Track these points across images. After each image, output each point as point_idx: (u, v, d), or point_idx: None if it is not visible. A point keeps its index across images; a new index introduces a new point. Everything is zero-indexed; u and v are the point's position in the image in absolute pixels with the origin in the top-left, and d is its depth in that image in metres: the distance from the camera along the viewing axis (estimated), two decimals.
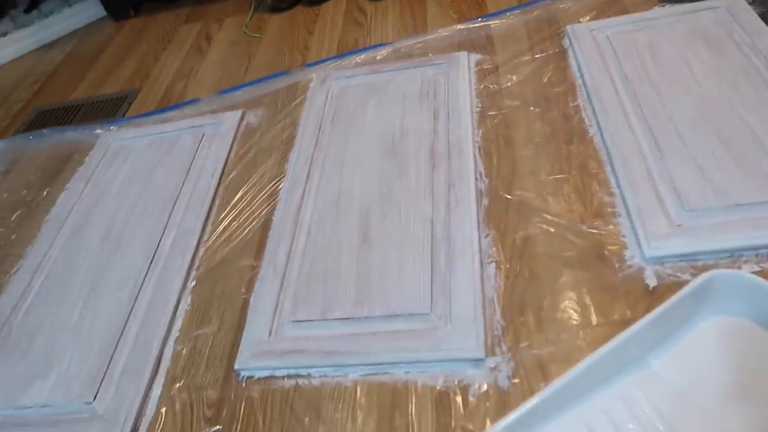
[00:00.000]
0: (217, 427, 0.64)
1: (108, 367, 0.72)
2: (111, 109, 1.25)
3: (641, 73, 0.87)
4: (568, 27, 1.02)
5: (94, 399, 0.69)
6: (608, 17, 1.02)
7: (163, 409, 0.68)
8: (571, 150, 0.82)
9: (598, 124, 0.83)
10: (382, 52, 1.13)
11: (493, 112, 0.92)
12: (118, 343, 0.74)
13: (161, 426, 0.66)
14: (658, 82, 0.85)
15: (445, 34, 1.12)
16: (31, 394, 0.72)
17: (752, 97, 0.78)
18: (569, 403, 0.54)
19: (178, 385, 0.70)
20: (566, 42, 1.00)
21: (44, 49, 1.60)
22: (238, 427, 0.64)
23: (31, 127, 1.28)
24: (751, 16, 0.90)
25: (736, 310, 0.57)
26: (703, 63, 0.86)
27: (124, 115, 1.22)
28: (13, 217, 1.03)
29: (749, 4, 0.93)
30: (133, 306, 0.78)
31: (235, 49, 1.33)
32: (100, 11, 1.65)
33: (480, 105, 0.94)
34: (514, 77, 0.97)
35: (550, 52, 1.00)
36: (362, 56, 1.13)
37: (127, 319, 0.77)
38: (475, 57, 1.04)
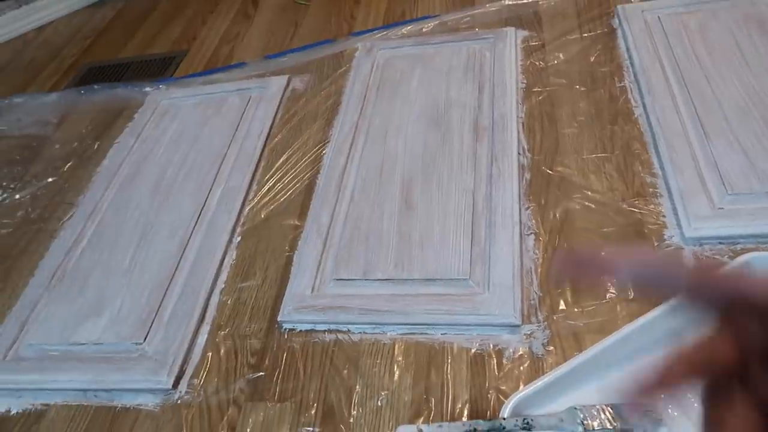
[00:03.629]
0: (261, 373, 0.68)
1: (157, 312, 0.76)
2: (159, 69, 1.29)
3: (691, 57, 0.87)
4: (618, 7, 1.01)
5: (144, 340, 0.73)
6: None
7: (209, 354, 0.71)
8: (615, 130, 0.83)
9: (644, 105, 0.84)
10: (428, 25, 1.14)
11: (538, 89, 0.92)
12: (166, 290, 0.78)
13: (207, 369, 0.70)
14: (707, 66, 0.84)
15: (492, 9, 1.12)
16: (84, 332, 0.76)
17: None
18: (604, 369, 0.56)
19: (223, 333, 0.73)
20: (615, 22, 1.00)
21: (95, 6, 1.63)
22: (280, 375, 0.67)
23: (81, 82, 1.32)
24: None
25: None
26: (755, 48, 0.85)
27: (172, 75, 1.25)
28: (65, 168, 1.07)
29: None
30: (182, 256, 0.82)
31: (282, 16, 1.34)
32: None
33: (525, 81, 0.95)
34: (561, 55, 0.97)
35: (598, 31, 1.00)
36: (408, 28, 1.14)
37: (176, 269, 0.80)
38: (522, 33, 1.04)
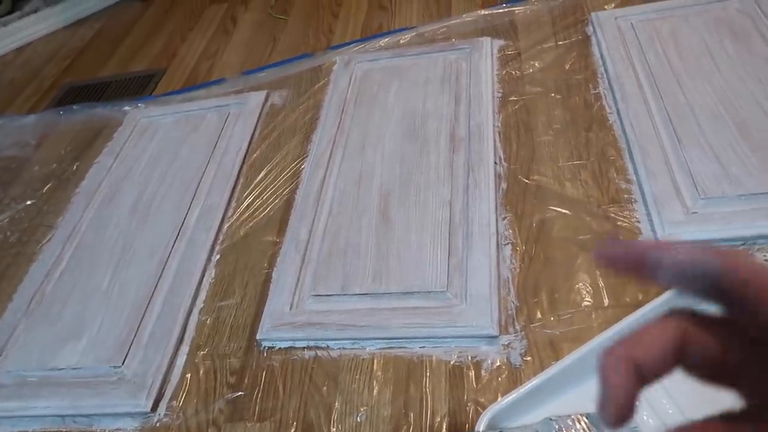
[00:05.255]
0: (240, 392, 0.67)
1: (136, 334, 0.75)
2: (139, 87, 1.28)
3: (663, 62, 0.88)
4: (592, 14, 1.02)
5: (123, 363, 0.72)
6: (633, 5, 1.02)
7: (188, 375, 0.71)
8: (590, 137, 0.83)
9: (618, 111, 0.84)
10: (405, 37, 1.14)
11: (514, 98, 0.93)
12: (145, 311, 0.78)
13: (186, 390, 0.69)
14: (680, 72, 0.85)
15: (468, 19, 1.13)
16: (63, 356, 0.75)
17: None
18: (579, 379, 0.56)
19: (202, 353, 0.73)
20: (590, 29, 1.01)
21: (74, 26, 1.63)
22: (260, 394, 0.67)
23: (61, 102, 1.32)
24: None
25: None
26: (726, 53, 0.86)
27: (151, 93, 1.25)
28: (44, 189, 1.07)
29: None
30: (160, 277, 0.81)
31: (261, 31, 1.35)
32: None
33: (501, 91, 0.95)
34: (536, 64, 0.98)
35: (573, 39, 1.01)
36: (386, 40, 1.15)
37: (155, 289, 0.80)
38: (498, 43, 1.05)
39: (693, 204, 0.69)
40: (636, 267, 0.22)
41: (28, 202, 1.05)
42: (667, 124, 0.79)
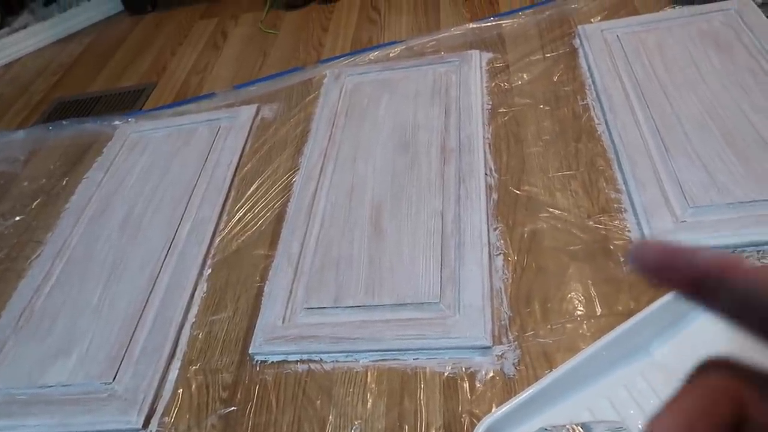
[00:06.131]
0: (233, 407, 0.67)
1: (127, 350, 0.74)
2: (129, 102, 1.28)
3: (650, 74, 0.89)
4: (579, 27, 1.03)
5: (114, 379, 0.72)
6: (619, 18, 1.04)
7: (180, 391, 0.70)
8: (580, 148, 0.84)
9: (606, 122, 0.85)
10: (395, 50, 1.15)
11: (504, 110, 0.94)
12: (136, 326, 0.77)
13: (178, 406, 0.69)
14: (666, 83, 0.86)
15: (457, 32, 1.14)
16: (52, 373, 0.74)
17: (758, 98, 0.80)
18: (573, 389, 0.56)
19: (194, 368, 0.72)
20: (577, 42, 1.02)
21: (63, 41, 1.63)
22: (253, 409, 0.66)
23: (50, 118, 1.31)
24: (760, 18, 0.92)
25: None
26: (711, 64, 0.87)
27: (141, 108, 1.25)
28: (33, 205, 1.06)
29: (759, 6, 0.94)
30: (151, 291, 0.81)
31: (251, 45, 1.35)
32: (118, 5, 1.68)
33: (491, 103, 0.96)
34: (525, 76, 0.99)
35: (560, 51, 1.02)
36: (375, 53, 1.16)
37: (145, 304, 0.79)
38: (487, 56, 1.06)
39: (682, 213, 0.70)
40: (686, 284, 0.17)
41: (17, 218, 1.04)
42: (654, 134, 0.80)
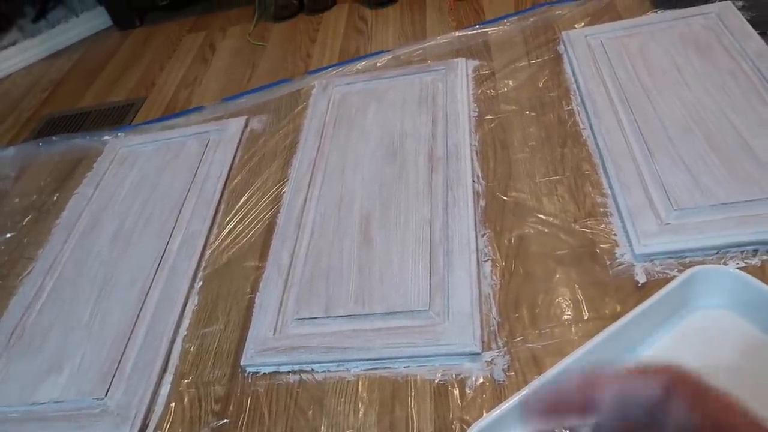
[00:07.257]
0: (225, 420, 0.67)
1: (118, 365, 0.75)
2: (118, 117, 1.29)
3: (633, 78, 0.90)
4: (563, 33, 1.05)
5: (106, 395, 0.72)
6: (602, 23, 1.05)
7: (172, 404, 0.70)
8: (565, 153, 0.85)
9: (591, 127, 0.86)
10: (382, 59, 1.16)
11: (490, 117, 0.94)
12: (128, 341, 0.77)
13: (170, 420, 0.69)
14: (649, 87, 0.87)
15: (443, 41, 1.15)
16: (44, 390, 0.74)
17: (740, 100, 0.81)
18: None
19: (186, 381, 0.72)
20: (561, 48, 1.03)
21: (52, 57, 1.64)
22: (245, 421, 0.66)
23: (40, 134, 1.32)
24: (740, 21, 0.93)
25: (720, 303, 0.59)
26: (693, 68, 0.88)
27: (131, 122, 1.25)
28: (24, 222, 1.06)
29: (739, 9, 0.96)
30: (142, 306, 0.81)
31: (239, 58, 1.36)
32: (106, 21, 1.69)
33: (477, 110, 0.97)
34: (510, 82, 1.00)
35: (545, 57, 1.03)
36: (363, 63, 1.16)
37: (137, 319, 0.79)
38: (473, 63, 1.07)
39: (666, 215, 0.70)
40: (572, 411, 0.22)
41: (8, 235, 1.04)
42: (638, 138, 0.80)
